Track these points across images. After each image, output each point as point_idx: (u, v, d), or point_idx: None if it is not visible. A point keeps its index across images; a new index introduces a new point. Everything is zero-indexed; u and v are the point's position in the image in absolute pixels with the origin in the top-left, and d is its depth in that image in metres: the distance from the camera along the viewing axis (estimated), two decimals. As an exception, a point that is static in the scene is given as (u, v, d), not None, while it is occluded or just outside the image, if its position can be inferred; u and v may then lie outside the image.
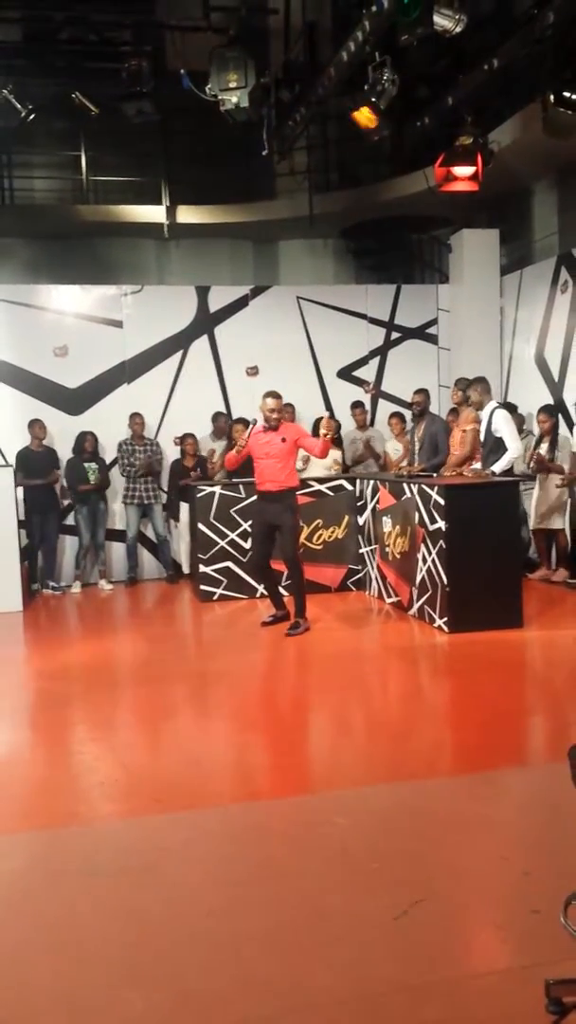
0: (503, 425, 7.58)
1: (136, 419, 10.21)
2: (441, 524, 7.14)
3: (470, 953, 2.89)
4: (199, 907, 3.18)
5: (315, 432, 9.64)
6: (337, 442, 10.15)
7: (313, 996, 2.64)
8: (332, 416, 10.41)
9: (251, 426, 7.58)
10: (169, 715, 5.70)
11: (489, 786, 4.22)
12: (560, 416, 9.28)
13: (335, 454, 9.91)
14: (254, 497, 7.86)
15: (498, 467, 7.48)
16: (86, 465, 9.95)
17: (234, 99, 8.27)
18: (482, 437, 7.87)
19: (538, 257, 10.50)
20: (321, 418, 10.30)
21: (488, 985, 2.68)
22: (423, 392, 9.11)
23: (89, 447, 10.01)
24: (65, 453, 10.07)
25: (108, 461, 10.25)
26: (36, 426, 9.92)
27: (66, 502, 10.18)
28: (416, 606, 7.73)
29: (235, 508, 8.81)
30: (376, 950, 2.86)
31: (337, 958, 2.80)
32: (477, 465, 7.97)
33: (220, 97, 8.28)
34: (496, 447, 7.61)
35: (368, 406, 10.96)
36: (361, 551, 9.16)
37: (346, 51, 7.82)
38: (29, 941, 3.03)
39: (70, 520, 10.18)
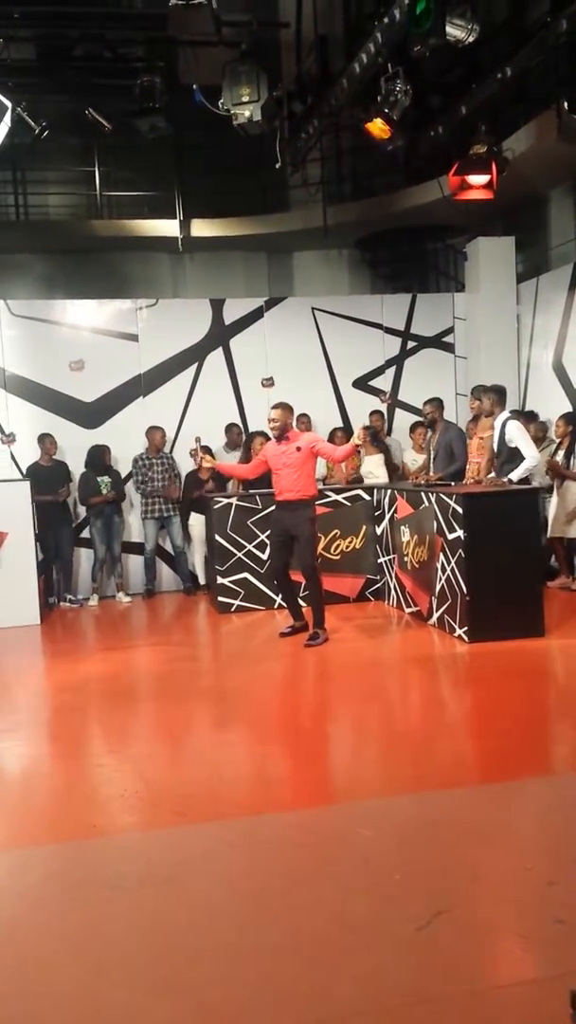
0: (517, 435, 7.53)
1: (157, 432, 10.21)
2: (460, 533, 7.10)
3: (493, 964, 2.85)
4: (221, 918, 3.16)
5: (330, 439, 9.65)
6: (383, 446, 10.13)
7: (335, 1007, 2.61)
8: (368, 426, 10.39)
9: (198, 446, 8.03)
10: (189, 727, 5.68)
11: (512, 796, 4.17)
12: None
13: (379, 458, 9.89)
14: (271, 508, 7.85)
15: (515, 475, 7.43)
16: (99, 479, 9.94)
17: (247, 113, 8.30)
18: (495, 447, 7.83)
19: (555, 264, 10.48)
20: (335, 431, 10.42)
21: (512, 996, 2.64)
22: (432, 403, 9.05)
23: (107, 460, 10.02)
24: (80, 467, 10.06)
25: (124, 475, 10.25)
26: (47, 441, 9.92)
27: (82, 515, 10.19)
28: (436, 616, 7.69)
29: (252, 519, 8.80)
30: (398, 961, 2.82)
31: (359, 969, 2.77)
32: (492, 474, 7.92)
33: (233, 111, 8.32)
34: (511, 457, 7.55)
35: (385, 416, 10.97)
36: (379, 561, 9.13)
37: (358, 62, 7.84)
38: (51, 953, 3.01)
39: (86, 533, 10.19)
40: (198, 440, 8.26)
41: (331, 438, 10.16)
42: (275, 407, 7.50)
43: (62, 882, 3.55)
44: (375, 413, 10.72)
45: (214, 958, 2.89)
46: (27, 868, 3.68)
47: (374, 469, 9.88)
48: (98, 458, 9.98)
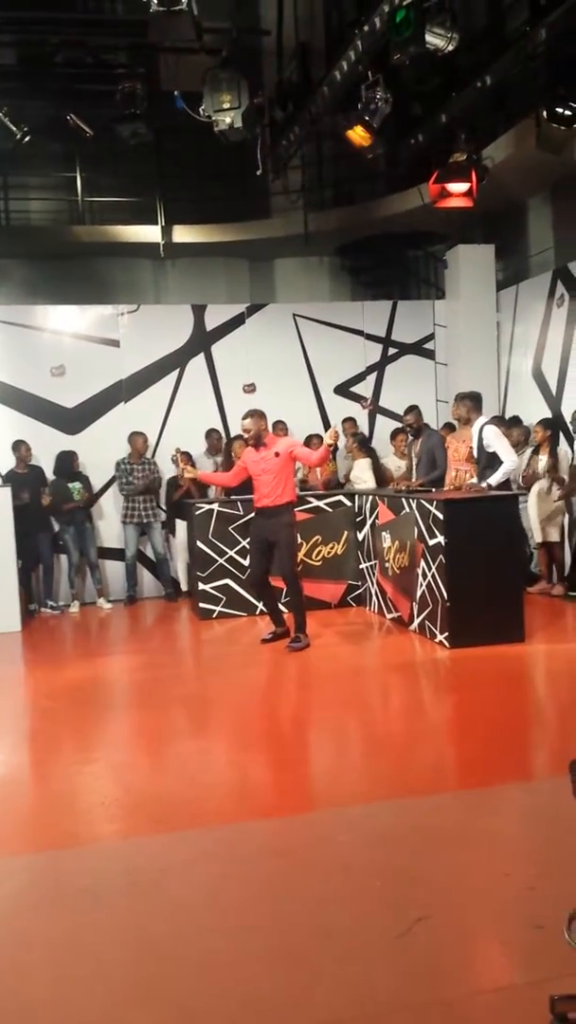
0: (495, 440, 7.55)
1: (139, 438, 10.20)
2: (440, 539, 7.12)
3: (474, 970, 2.86)
4: (201, 926, 3.15)
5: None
6: (371, 451, 10.13)
7: (316, 1015, 2.61)
8: (356, 432, 10.41)
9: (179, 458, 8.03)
10: (169, 734, 5.67)
11: (492, 801, 4.19)
12: (560, 430, 9.29)
13: (366, 462, 9.88)
14: (252, 514, 7.85)
15: (494, 479, 7.44)
16: (70, 485, 9.90)
17: (228, 119, 8.28)
18: (474, 453, 7.85)
19: (534, 272, 10.54)
20: (312, 437, 10.41)
21: (492, 1002, 2.64)
22: (414, 412, 9.05)
23: (76, 466, 9.99)
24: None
25: (106, 480, 10.22)
26: (22, 448, 9.86)
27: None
28: (416, 621, 7.71)
29: (233, 525, 8.80)
30: (379, 968, 2.82)
31: (340, 976, 2.77)
32: (474, 480, 7.94)
33: (214, 118, 8.30)
34: (491, 462, 7.58)
35: (366, 422, 10.98)
36: (361, 567, 9.14)
37: (339, 70, 7.87)
38: (32, 962, 3.00)
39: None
40: (178, 450, 8.25)
41: (307, 444, 10.15)
42: (246, 416, 7.47)
43: (41, 891, 3.53)
44: (348, 420, 10.70)
45: (195, 967, 2.88)
46: (5, 877, 3.65)
47: (362, 474, 9.89)
48: (66, 464, 9.95)
